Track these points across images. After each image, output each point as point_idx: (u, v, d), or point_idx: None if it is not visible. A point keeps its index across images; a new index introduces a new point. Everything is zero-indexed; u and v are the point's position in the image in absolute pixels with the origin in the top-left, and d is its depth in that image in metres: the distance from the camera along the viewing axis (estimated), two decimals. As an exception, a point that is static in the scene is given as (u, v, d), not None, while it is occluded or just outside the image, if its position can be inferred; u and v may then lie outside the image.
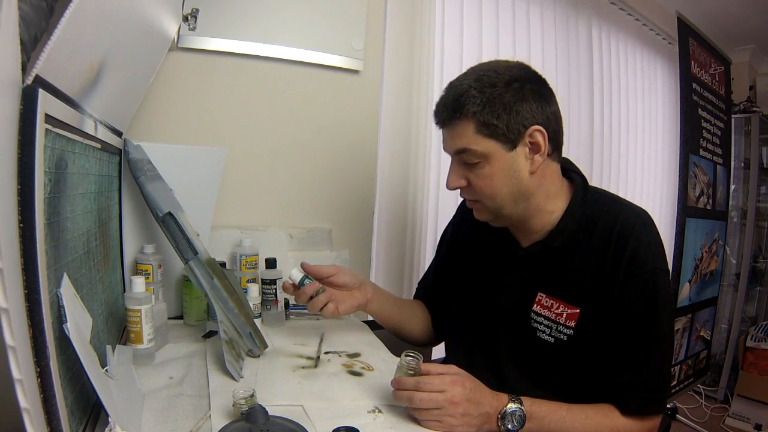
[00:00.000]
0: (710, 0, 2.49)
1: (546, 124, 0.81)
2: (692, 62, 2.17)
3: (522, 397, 0.76)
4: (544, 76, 0.85)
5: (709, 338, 2.46)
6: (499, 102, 0.78)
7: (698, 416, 2.50)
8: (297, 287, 0.96)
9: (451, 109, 0.81)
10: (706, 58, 2.30)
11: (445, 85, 0.85)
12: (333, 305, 0.96)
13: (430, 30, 1.61)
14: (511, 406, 0.74)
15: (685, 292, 2.16)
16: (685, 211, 2.08)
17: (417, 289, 1.19)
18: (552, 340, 0.84)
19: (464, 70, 0.85)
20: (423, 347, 1.16)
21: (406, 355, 0.76)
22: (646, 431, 0.81)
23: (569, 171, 0.91)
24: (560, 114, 0.85)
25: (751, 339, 2.54)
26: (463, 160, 0.83)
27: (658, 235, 0.83)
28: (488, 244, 0.96)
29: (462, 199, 1.12)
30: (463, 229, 1.05)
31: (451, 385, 0.72)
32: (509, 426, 0.74)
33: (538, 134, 0.80)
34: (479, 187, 0.83)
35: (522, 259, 0.89)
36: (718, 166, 2.37)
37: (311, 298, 0.95)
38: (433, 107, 0.87)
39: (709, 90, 2.30)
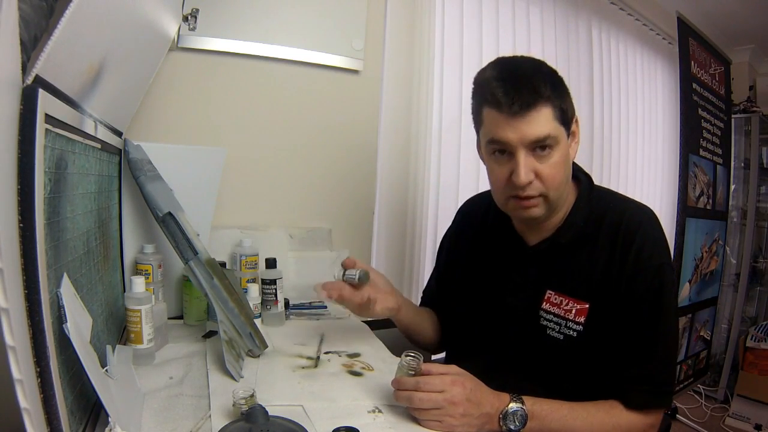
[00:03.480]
0: (710, 0, 2.49)
1: None
2: (692, 62, 2.17)
3: (523, 397, 0.76)
4: None
5: (709, 338, 2.46)
6: (563, 88, 0.80)
7: (698, 416, 2.50)
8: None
9: (532, 91, 0.75)
10: (706, 58, 2.30)
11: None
12: (374, 297, 0.92)
13: (430, 30, 1.61)
14: (513, 405, 0.74)
15: (685, 292, 2.16)
16: (685, 211, 2.08)
17: (422, 297, 1.18)
18: (561, 337, 0.84)
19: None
20: (435, 352, 1.16)
21: (407, 355, 0.76)
22: (648, 427, 0.81)
23: (575, 171, 0.91)
24: None
25: (751, 339, 2.54)
26: (535, 149, 0.78)
27: (663, 231, 0.84)
28: (493, 245, 0.96)
29: (460, 206, 1.12)
30: (465, 235, 1.05)
31: (451, 386, 0.72)
32: (511, 426, 0.74)
33: (575, 124, 0.84)
34: (551, 177, 0.79)
35: (530, 257, 0.90)
36: (718, 166, 2.37)
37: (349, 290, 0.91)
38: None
39: (709, 90, 2.30)
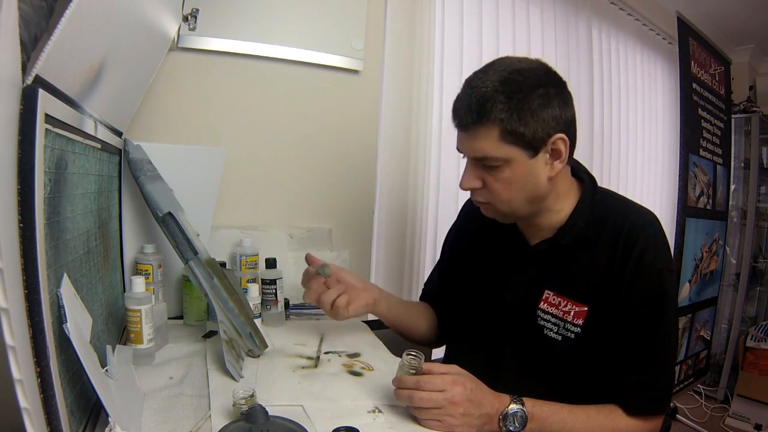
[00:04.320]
0: (710, 0, 2.49)
1: (567, 131, 0.80)
2: (692, 62, 2.17)
3: (524, 398, 0.76)
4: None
5: (709, 338, 2.46)
6: (527, 109, 0.76)
7: (698, 416, 2.50)
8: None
9: (476, 112, 0.77)
10: (706, 58, 2.30)
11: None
12: (344, 299, 0.94)
13: (430, 30, 1.61)
14: (513, 407, 0.74)
15: (685, 292, 2.16)
16: (685, 211, 2.08)
17: (423, 290, 1.18)
18: (559, 338, 0.84)
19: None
20: (429, 347, 1.16)
21: (408, 354, 0.76)
22: (649, 430, 0.81)
23: (579, 171, 0.91)
24: (575, 117, 0.84)
25: (751, 339, 2.54)
26: (481, 162, 0.81)
27: (665, 236, 0.84)
28: (495, 243, 0.96)
29: (464, 203, 1.12)
30: (467, 232, 1.05)
31: (452, 385, 0.72)
32: (510, 427, 0.74)
33: (561, 142, 0.79)
34: (496, 191, 0.82)
35: (530, 256, 0.90)
36: (718, 166, 2.37)
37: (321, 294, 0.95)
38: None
39: (709, 90, 2.30)
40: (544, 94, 0.77)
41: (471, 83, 0.80)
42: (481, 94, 0.77)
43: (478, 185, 0.83)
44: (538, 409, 0.76)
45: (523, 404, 0.75)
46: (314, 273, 0.97)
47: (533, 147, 0.78)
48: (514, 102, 0.75)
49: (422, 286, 1.20)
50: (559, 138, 0.79)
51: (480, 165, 0.82)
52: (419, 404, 0.72)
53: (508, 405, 0.74)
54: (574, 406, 0.79)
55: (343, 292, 0.95)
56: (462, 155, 0.86)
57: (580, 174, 0.91)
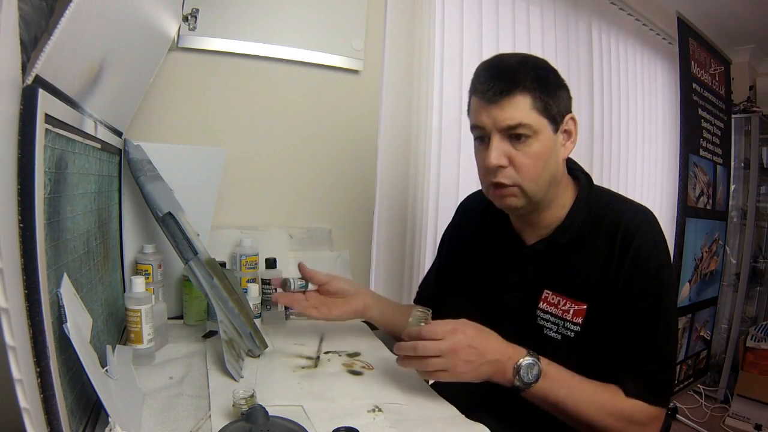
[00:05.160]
0: (710, 0, 2.49)
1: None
2: (692, 62, 2.17)
3: (540, 356, 0.78)
4: None
5: (709, 338, 2.46)
6: (551, 83, 0.81)
7: (698, 416, 2.49)
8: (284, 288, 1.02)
9: (510, 81, 0.78)
10: (706, 58, 2.30)
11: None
12: (324, 309, 1.00)
13: (430, 30, 1.61)
14: (528, 359, 0.77)
15: (685, 292, 2.16)
16: (685, 211, 2.08)
17: (418, 292, 1.18)
18: (559, 337, 0.84)
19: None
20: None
21: (416, 311, 0.80)
22: (651, 418, 0.80)
23: (575, 170, 0.91)
24: None
25: (751, 339, 2.54)
26: (509, 136, 0.80)
27: (662, 232, 0.84)
28: (491, 243, 0.96)
29: (461, 202, 1.13)
30: (463, 231, 1.05)
31: (452, 333, 0.75)
32: (525, 379, 0.76)
33: (572, 122, 0.84)
34: (525, 166, 0.81)
35: (527, 256, 0.90)
36: (718, 166, 2.37)
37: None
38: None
39: (709, 90, 2.30)
40: (557, 76, 0.83)
41: (491, 63, 0.84)
42: (509, 67, 0.80)
43: (506, 162, 0.81)
44: (553, 369, 0.78)
45: (539, 359, 0.77)
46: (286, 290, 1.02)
47: (556, 121, 0.82)
48: (539, 73, 0.80)
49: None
50: (571, 118, 0.84)
51: (507, 140, 0.81)
52: (422, 353, 0.74)
53: (525, 356, 0.77)
54: (585, 379, 0.80)
55: (316, 306, 1.00)
56: (477, 135, 0.85)
57: (576, 173, 0.91)
